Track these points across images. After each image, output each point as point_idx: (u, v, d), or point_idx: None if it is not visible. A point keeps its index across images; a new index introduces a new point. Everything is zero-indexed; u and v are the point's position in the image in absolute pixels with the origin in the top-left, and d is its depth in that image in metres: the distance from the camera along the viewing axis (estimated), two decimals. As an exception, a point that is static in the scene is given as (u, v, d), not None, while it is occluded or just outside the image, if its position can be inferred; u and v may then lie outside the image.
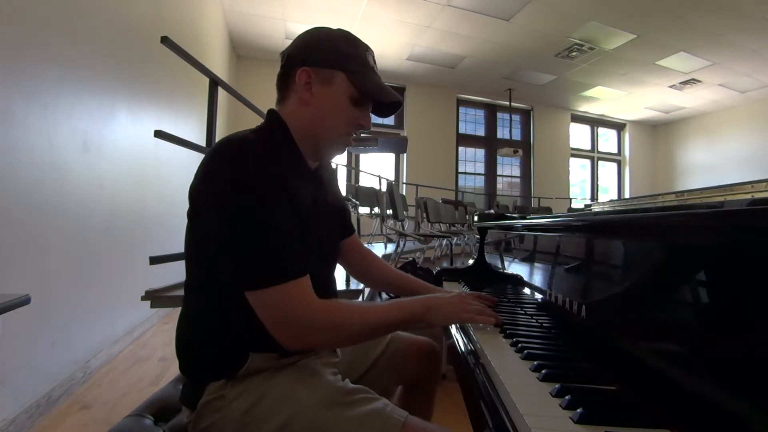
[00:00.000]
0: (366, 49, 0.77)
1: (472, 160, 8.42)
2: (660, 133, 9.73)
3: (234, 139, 0.67)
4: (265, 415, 0.64)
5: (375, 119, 0.84)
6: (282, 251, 0.63)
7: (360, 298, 1.63)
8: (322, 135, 0.76)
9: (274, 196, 0.64)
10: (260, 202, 0.62)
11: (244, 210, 0.62)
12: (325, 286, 0.81)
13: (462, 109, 8.25)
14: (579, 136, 9.38)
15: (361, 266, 1.02)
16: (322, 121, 0.74)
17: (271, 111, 0.77)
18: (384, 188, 4.78)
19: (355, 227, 1.13)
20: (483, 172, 8.53)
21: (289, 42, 0.78)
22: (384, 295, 2.81)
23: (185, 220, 0.71)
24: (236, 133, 0.70)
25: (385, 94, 0.76)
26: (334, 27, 0.77)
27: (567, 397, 0.46)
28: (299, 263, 0.64)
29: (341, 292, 1.41)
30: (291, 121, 0.75)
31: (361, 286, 1.56)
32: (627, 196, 9.47)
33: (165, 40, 1.42)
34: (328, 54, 0.73)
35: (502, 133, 8.53)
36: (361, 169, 6.73)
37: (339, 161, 4.58)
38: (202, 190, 0.66)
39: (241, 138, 0.67)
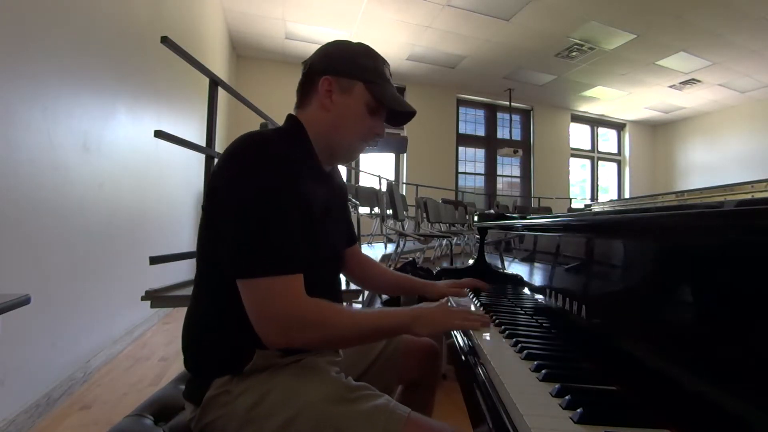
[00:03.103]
0: (383, 62, 0.82)
1: (472, 160, 8.41)
2: (660, 133, 9.73)
3: (256, 134, 0.70)
4: (270, 410, 0.65)
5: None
6: (279, 245, 0.64)
7: (360, 298, 1.63)
8: (338, 140, 0.80)
9: (287, 192, 0.67)
10: (271, 196, 0.65)
11: (253, 199, 0.64)
12: (331, 287, 0.83)
13: (462, 109, 8.25)
14: (579, 136, 9.38)
15: (362, 272, 1.06)
16: (340, 127, 0.79)
17: (290, 115, 0.82)
18: (384, 188, 4.78)
19: (355, 228, 1.15)
20: (483, 172, 8.52)
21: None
22: (384, 297, 2.81)
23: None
24: (258, 130, 0.74)
25: (399, 104, 0.81)
26: (355, 41, 0.83)
27: (567, 397, 0.46)
28: (294, 260, 0.65)
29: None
30: (309, 125, 0.79)
31: (361, 286, 1.56)
32: (627, 196, 9.47)
33: (165, 40, 1.42)
34: (348, 65, 0.78)
35: (502, 133, 8.52)
36: (361, 169, 6.72)
37: (339, 161, 4.57)
38: (219, 179, 0.68)
39: (263, 134, 0.71)
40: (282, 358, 0.70)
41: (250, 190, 0.65)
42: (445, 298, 1.07)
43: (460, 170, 8.20)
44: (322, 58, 0.79)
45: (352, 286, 1.50)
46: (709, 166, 8.53)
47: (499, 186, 8.64)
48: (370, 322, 0.71)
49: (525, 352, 0.63)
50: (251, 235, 0.63)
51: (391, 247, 3.88)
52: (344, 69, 0.78)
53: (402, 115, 0.86)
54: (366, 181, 6.25)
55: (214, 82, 1.70)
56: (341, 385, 0.68)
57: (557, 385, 0.50)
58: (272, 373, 0.68)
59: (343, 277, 1.11)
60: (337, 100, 0.77)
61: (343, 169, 5.83)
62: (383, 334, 0.76)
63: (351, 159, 0.86)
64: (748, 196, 3.55)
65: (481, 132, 8.50)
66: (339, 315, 0.68)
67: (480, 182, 8.51)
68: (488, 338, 0.73)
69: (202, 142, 1.69)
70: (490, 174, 8.56)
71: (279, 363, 0.70)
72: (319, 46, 0.83)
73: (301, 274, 0.66)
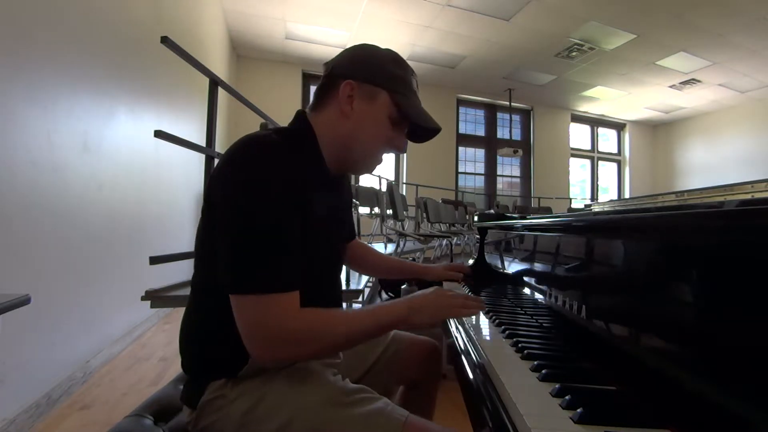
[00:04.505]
0: (412, 72, 0.77)
1: (472, 160, 8.41)
2: (660, 133, 9.73)
3: (257, 137, 0.66)
4: (266, 415, 0.64)
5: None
6: (274, 262, 0.60)
7: (360, 298, 1.63)
8: (355, 149, 0.75)
9: (286, 203, 0.62)
10: (269, 207, 0.61)
11: (251, 212, 0.60)
12: (331, 287, 0.83)
13: (462, 109, 8.25)
14: (579, 136, 9.37)
15: (360, 259, 1.10)
16: (358, 136, 0.74)
17: (301, 114, 0.76)
18: (384, 188, 4.78)
19: (355, 228, 1.17)
20: (483, 172, 8.52)
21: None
22: (384, 295, 2.81)
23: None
24: (261, 132, 0.70)
25: (425, 119, 0.77)
26: (383, 47, 0.78)
27: (567, 397, 0.46)
28: (290, 278, 0.61)
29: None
30: (324, 129, 0.74)
31: (362, 285, 1.57)
32: (627, 196, 9.47)
33: (165, 40, 1.42)
34: (374, 71, 0.73)
35: (502, 133, 8.52)
36: (361, 169, 6.71)
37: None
38: (217, 184, 0.65)
39: (265, 137, 0.66)
40: None
41: (249, 201, 0.60)
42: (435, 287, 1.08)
43: (460, 170, 8.20)
44: (346, 61, 0.74)
45: (353, 286, 1.50)
46: (709, 166, 8.53)
47: (499, 186, 8.64)
48: (364, 323, 0.67)
49: (525, 351, 0.63)
50: (248, 250, 0.60)
51: (391, 247, 3.88)
52: (369, 75, 0.73)
53: (424, 131, 0.80)
54: (366, 181, 6.24)
55: (214, 82, 1.71)
56: (337, 389, 0.67)
57: (557, 385, 0.50)
58: (267, 377, 0.68)
59: (342, 276, 1.12)
60: (358, 108, 0.72)
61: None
62: (381, 331, 0.71)
63: (367, 171, 0.81)
64: (748, 196, 3.55)
65: (481, 132, 8.50)
66: (332, 323, 0.64)
67: (480, 182, 8.51)
68: (488, 338, 0.73)
69: (202, 142, 1.69)
70: (490, 174, 8.56)
71: (275, 367, 0.69)
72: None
73: (296, 291, 0.62)
